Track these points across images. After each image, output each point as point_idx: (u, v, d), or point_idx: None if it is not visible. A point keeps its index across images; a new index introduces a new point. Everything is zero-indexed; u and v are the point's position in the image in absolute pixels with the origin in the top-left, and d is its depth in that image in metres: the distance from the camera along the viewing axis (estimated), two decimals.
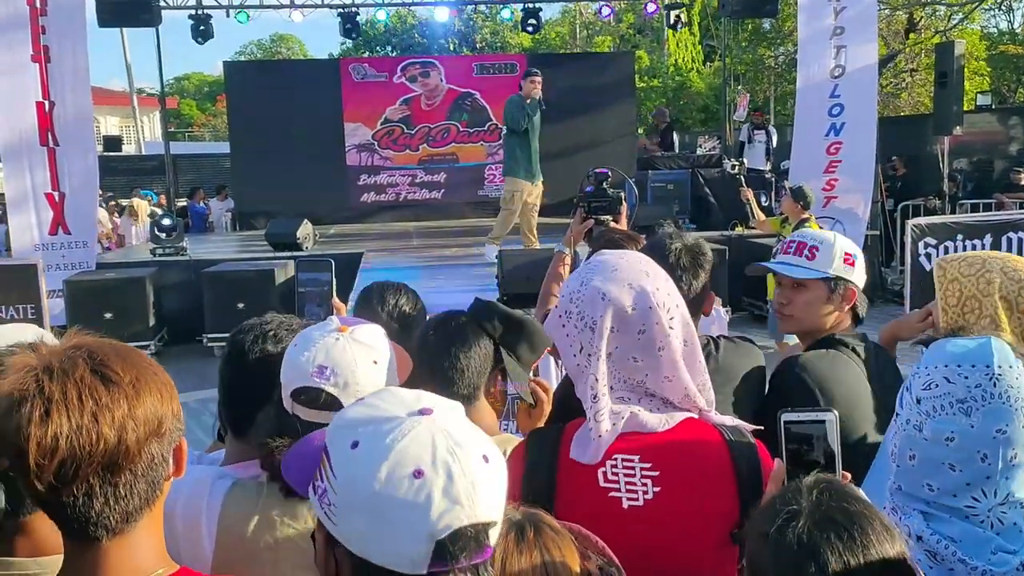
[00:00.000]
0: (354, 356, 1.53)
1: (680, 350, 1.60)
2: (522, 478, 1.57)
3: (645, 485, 1.57)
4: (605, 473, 1.57)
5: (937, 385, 1.45)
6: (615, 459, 1.57)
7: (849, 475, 1.45)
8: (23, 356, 1.16)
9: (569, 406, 1.70)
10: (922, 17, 24.35)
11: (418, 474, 0.94)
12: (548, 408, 1.93)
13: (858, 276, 2.35)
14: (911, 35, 24.16)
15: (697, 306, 2.13)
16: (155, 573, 1.20)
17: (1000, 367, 1.42)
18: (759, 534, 1.20)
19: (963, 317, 2.03)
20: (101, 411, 1.12)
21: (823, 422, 1.43)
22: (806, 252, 2.34)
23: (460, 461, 0.96)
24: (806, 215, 6.87)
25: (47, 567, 1.33)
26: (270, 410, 1.59)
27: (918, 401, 1.47)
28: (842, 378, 2.20)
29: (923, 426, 1.45)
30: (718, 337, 2.25)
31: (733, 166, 8.60)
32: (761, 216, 7.26)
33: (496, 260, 8.53)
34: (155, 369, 1.22)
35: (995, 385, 1.41)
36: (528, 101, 8.52)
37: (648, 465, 1.58)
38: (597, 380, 1.58)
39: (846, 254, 2.33)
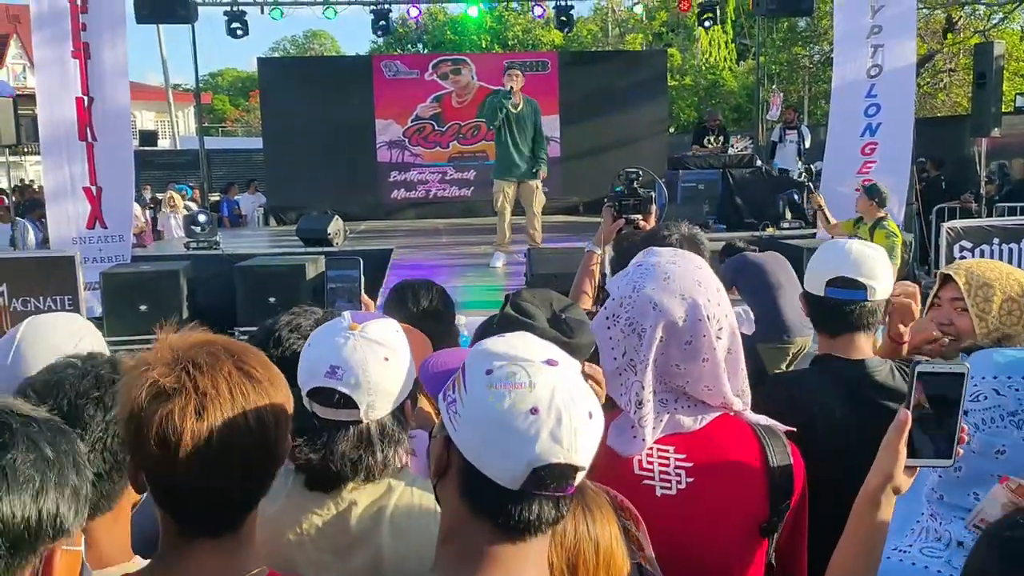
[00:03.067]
0: (364, 355, 1.53)
1: (724, 361, 1.62)
2: None
3: (679, 475, 1.60)
4: (640, 461, 1.61)
5: (986, 397, 1.42)
6: (650, 448, 1.61)
7: (967, 427, 1.42)
8: (161, 350, 1.19)
9: None
10: (961, 17, 24.00)
11: (534, 411, 1.08)
12: (603, 392, 1.87)
13: (804, 280, 2.26)
14: (949, 35, 23.82)
15: None
16: (251, 573, 1.23)
17: None
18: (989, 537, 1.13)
19: (1003, 319, 1.99)
20: (250, 405, 1.18)
21: (961, 375, 1.36)
22: None
23: (570, 411, 1.09)
24: (882, 213, 6.59)
25: None
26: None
27: (965, 413, 1.43)
28: None
29: (971, 439, 1.42)
30: None
31: (800, 173, 8.43)
32: (833, 221, 7.11)
33: (524, 258, 8.53)
34: (277, 368, 1.28)
35: None
36: (503, 97, 8.51)
37: (682, 456, 1.61)
38: (643, 388, 1.60)
39: None
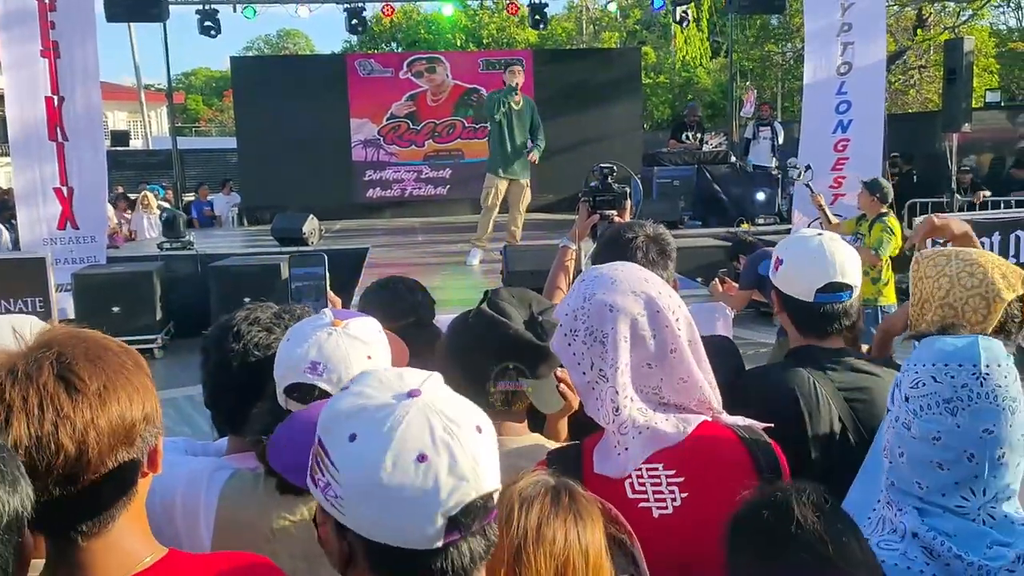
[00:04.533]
0: (347, 351, 1.51)
1: (688, 350, 1.60)
2: None
3: (672, 492, 1.57)
4: (632, 484, 1.57)
5: (924, 384, 1.45)
6: (640, 469, 1.57)
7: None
8: None
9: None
10: (931, 13, 24.29)
11: (422, 458, 0.96)
12: (576, 397, 1.84)
13: (779, 280, 2.20)
14: (920, 31, 24.10)
15: None
16: (143, 561, 1.20)
17: (988, 366, 1.41)
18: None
19: (921, 318, 2.03)
20: (62, 421, 1.09)
21: None
22: None
23: (458, 438, 0.98)
24: (884, 208, 6.50)
25: None
26: (263, 405, 1.58)
27: (907, 399, 1.47)
28: None
29: (911, 424, 1.45)
30: None
31: (799, 173, 8.41)
32: (835, 220, 7.09)
33: (501, 255, 8.54)
34: (129, 373, 1.18)
35: (982, 385, 1.40)
36: (508, 93, 8.49)
37: (672, 472, 1.57)
38: (618, 393, 1.56)
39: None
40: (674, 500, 1.56)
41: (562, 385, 1.85)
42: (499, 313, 1.75)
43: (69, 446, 1.09)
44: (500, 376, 1.71)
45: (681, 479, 1.57)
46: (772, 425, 1.70)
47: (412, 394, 1.00)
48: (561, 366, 1.75)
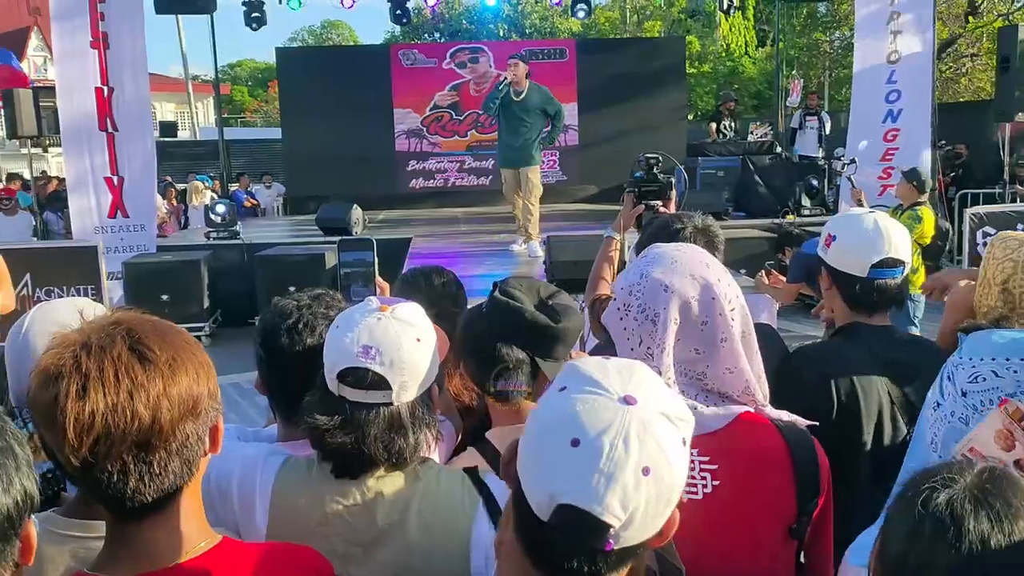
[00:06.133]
0: (398, 334, 1.53)
1: (740, 341, 1.58)
2: None
3: (704, 478, 1.55)
4: None
5: (984, 379, 1.43)
6: None
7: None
8: (65, 332, 1.19)
9: None
10: (984, 0, 23.67)
11: (575, 443, 0.97)
12: None
13: (832, 256, 2.19)
14: (972, 18, 23.51)
15: None
16: (197, 546, 1.23)
17: None
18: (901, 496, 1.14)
19: (984, 299, 2.00)
20: (136, 389, 1.14)
21: None
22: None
23: (615, 455, 0.97)
24: (922, 198, 6.42)
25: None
26: (315, 393, 1.60)
27: (964, 394, 1.45)
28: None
29: (970, 420, 1.43)
30: None
31: (843, 165, 8.29)
32: None
33: (543, 246, 8.52)
34: (193, 349, 1.23)
35: None
36: (500, 85, 8.65)
37: (706, 459, 1.55)
38: (661, 373, 1.54)
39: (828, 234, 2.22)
40: (705, 487, 1.54)
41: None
42: (511, 299, 1.77)
43: (144, 413, 1.14)
44: (499, 376, 1.73)
45: (715, 467, 1.55)
46: (817, 424, 1.68)
47: (628, 400, 1.00)
48: (577, 347, 1.76)
